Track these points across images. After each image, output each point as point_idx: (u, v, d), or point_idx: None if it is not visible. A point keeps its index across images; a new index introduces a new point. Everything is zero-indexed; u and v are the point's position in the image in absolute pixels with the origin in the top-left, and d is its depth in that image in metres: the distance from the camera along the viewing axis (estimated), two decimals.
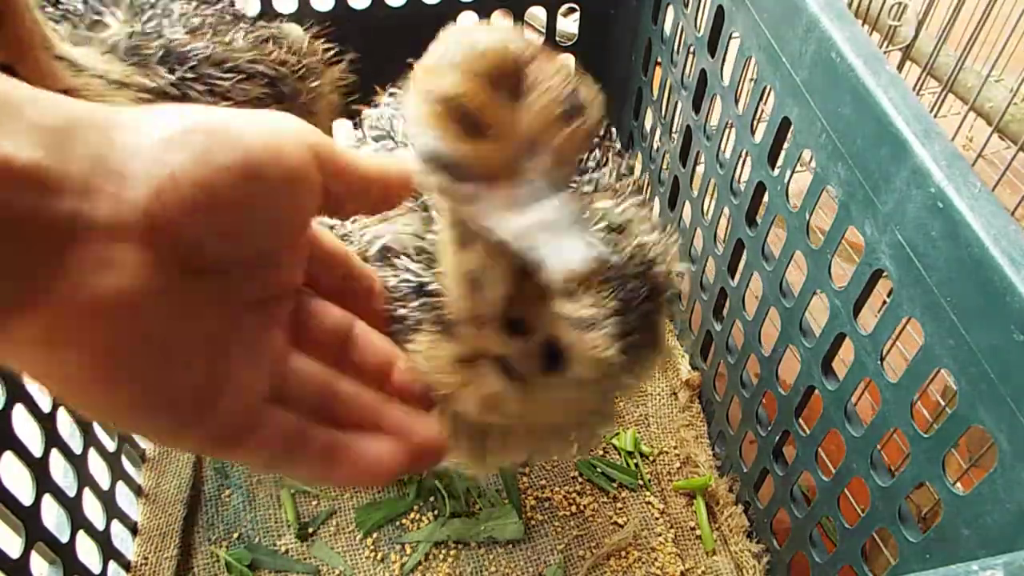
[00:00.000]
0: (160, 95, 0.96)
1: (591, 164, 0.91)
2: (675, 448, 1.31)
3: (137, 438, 1.23)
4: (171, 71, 0.97)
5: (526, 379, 0.71)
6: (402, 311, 0.79)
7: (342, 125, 1.35)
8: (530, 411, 0.75)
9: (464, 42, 0.51)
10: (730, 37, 1.09)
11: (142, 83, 0.94)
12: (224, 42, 1.04)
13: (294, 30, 1.22)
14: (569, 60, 1.49)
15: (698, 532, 1.23)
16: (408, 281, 0.80)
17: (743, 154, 1.10)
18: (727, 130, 1.16)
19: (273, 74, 1.08)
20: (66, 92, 0.86)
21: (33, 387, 0.95)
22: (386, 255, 0.81)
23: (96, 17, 0.98)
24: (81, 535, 1.01)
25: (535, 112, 0.50)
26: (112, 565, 1.09)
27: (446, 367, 0.74)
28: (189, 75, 0.98)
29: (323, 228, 0.53)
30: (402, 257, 0.81)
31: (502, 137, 0.49)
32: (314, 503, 1.23)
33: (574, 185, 0.87)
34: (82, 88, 0.88)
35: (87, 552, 1.02)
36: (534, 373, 0.71)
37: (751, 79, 1.04)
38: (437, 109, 0.50)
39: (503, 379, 0.70)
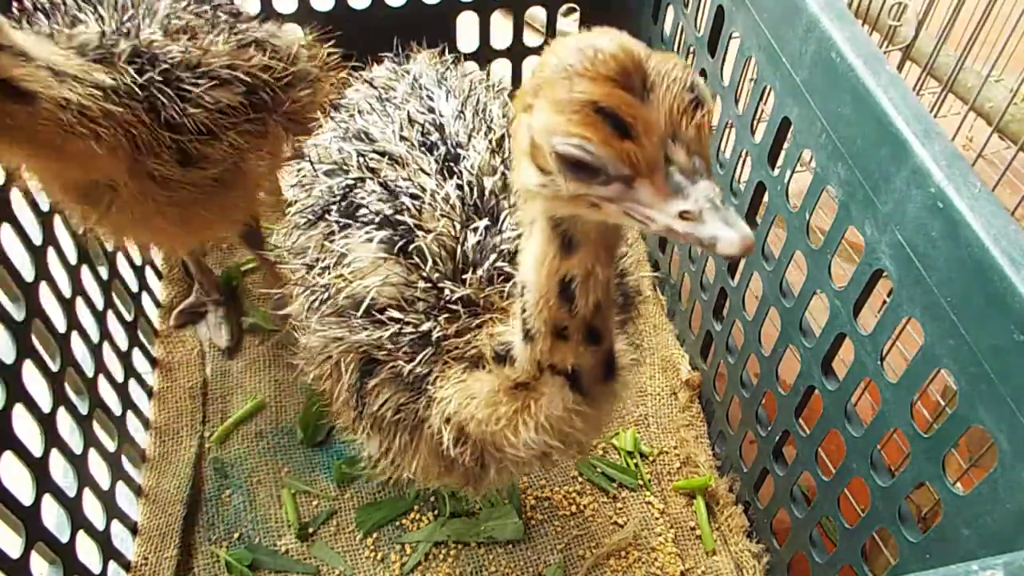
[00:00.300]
0: (125, 94, 0.94)
1: None
2: (675, 448, 1.31)
3: (137, 438, 1.23)
4: (140, 72, 0.95)
5: (589, 391, 0.71)
6: (408, 367, 0.79)
7: None
8: (588, 426, 0.76)
9: (585, 49, 0.52)
10: (730, 37, 1.09)
11: (99, 80, 0.92)
12: (202, 46, 1.01)
13: (287, 34, 1.17)
14: None
15: (698, 532, 1.23)
16: (407, 333, 0.78)
17: (743, 154, 1.10)
18: (727, 130, 1.16)
19: (251, 81, 1.04)
20: (6, 80, 0.84)
21: (33, 387, 0.95)
22: (369, 312, 0.80)
23: (77, 13, 0.96)
24: (81, 535, 1.01)
25: (667, 106, 0.51)
26: (112, 565, 1.09)
27: (497, 397, 0.74)
28: (158, 78, 0.96)
29: None
30: (388, 310, 0.79)
31: (645, 133, 0.51)
32: (314, 503, 1.23)
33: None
34: (24, 76, 0.86)
35: (87, 552, 1.02)
36: (597, 383, 0.72)
37: (751, 79, 1.04)
38: (577, 117, 0.52)
39: (573, 393, 0.71)
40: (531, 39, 1.44)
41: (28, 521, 0.89)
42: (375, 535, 1.20)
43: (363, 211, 0.83)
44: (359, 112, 0.94)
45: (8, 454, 0.88)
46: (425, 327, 0.77)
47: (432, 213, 0.80)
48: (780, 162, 1.00)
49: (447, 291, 0.77)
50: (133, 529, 1.17)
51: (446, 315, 0.77)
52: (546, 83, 0.54)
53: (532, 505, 1.23)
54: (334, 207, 0.86)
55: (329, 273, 0.83)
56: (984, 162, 1.55)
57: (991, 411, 0.69)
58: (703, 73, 1.17)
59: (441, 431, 0.79)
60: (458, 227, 0.79)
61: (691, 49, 1.21)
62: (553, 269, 0.63)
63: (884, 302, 0.87)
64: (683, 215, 0.51)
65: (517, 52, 1.44)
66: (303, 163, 0.95)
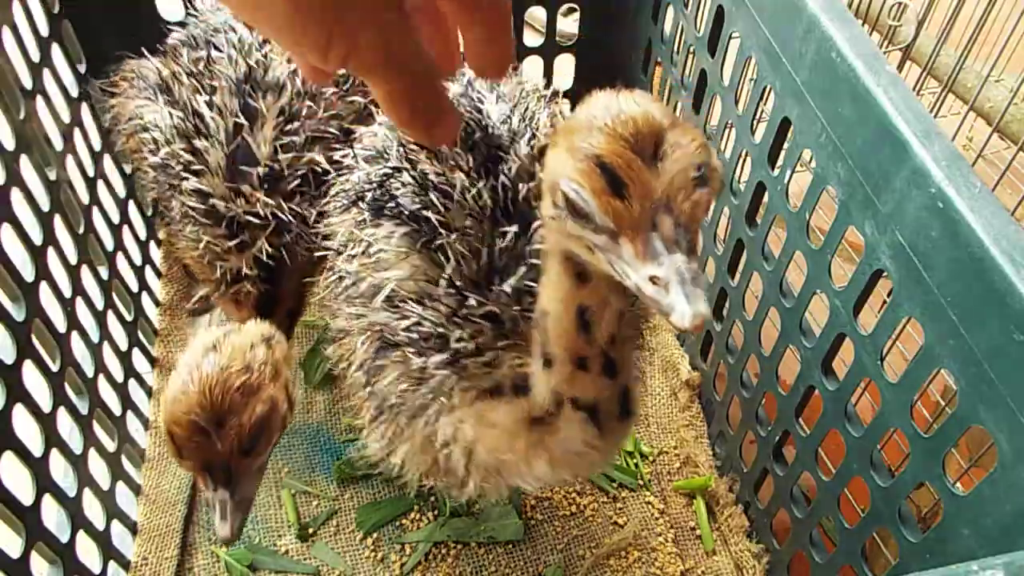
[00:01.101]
0: None
1: None
2: (675, 448, 1.31)
3: (136, 438, 1.23)
4: None
5: (604, 427, 0.72)
6: (417, 361, 0.79)
7: None
8: (600, 460, 0.77)
9: (611, 108, 0.56)
10: (730, 37, 1.09)
11: None
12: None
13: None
14: (569, 61, 1.49)
15: (698, 532, 1.23)
16: (422, 327, 0.78)
17: (743, 154, 1.10)
18: (727, 130, 1.16)
19: None
20: None
21: (33, 387, 0.95)
22: (391, 300, 0.81)
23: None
24: (81, 535, 1.01)
25: (670, 176, 0.55)
26: (112, 565, 1.09)
27: (514, 429, 0.75)
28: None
29: None
30: (408, 303, 0.79)
31: (638, 196, 0.54)
32: (314, 503, 1.23)
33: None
34: None
35: (87, 552, 1.02)
36: (613, 419, 0.72)
37: (751, 79, 1.04)
38: (581, 165, 0.56)
39: (591, 428, 0.71)
40: (531, 39, 1.44)
41: (28, 521, 0.89)
42: (375, 535, 1.20)
43: (393, 204, 0.83)
44: None
45: (8, 454, 0.88)
46: (442, 330, 0.77)
47: (460, 211, 0.80)
48: (780, 162, 1.00)
49: (472, 300, 0.77)
50: (133, 529, 1.17)
51: (469, 328, 0.77)
52: (572, 128, 0.58)
53: (532, 505, 1.23)
54: (368, 194, 0.87)
55: (356, 261, 0.85)
56: (984, 162, 1.55)
57: (991, 411, 0.69)
58: (703, 73, 1.17)
59: (448, 445, 0.80)
60: (486, 228, 0.79)
61: (691, 49, 1.21)
62: (570, 298, 0.65)
63: (884, 302, 0.87)
64: (653, 279, 0.54)
65: (517, 52, 1.43)
66: (346, 148, 0.96)
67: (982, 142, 1.47)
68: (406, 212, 0.81)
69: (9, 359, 0.91)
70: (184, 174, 0.98)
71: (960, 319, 0.71)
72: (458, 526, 1.20)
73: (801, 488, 1.08)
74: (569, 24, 1.56)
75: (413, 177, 0.83)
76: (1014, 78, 1.30)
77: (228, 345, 0.87)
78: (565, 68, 1.49)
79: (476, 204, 0.80)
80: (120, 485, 1.15)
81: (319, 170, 0.99)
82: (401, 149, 0.87)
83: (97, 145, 1.27)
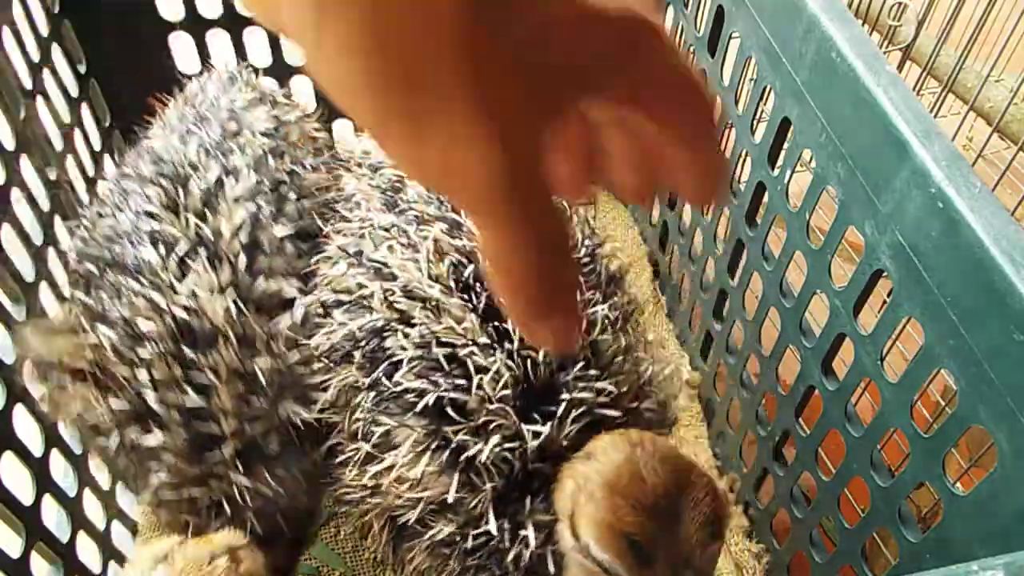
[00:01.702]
0: None
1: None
2: None
3: None
4: None
5: None
6: (453, 562, 0.76)
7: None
8: None
9: (635, 478, 0.59)
10: (730, 37, 1.09)
11: None
12: None
13: None
14: None
15: None
16: (460, 546, 0.75)
17: (743, 154, 1.10)
18: (727, 130, 1.16)
19: None
20: None
21: (33, 387, 0.95)
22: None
23: None
24: (81, 535, 1.01)
25: (690, 537, 0.59)
26: (112, 565, 1.08)
27: None
28: None
29: None
30: (442, 512, 0.75)
31: (664, 561, 0.58)
32: None
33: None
34: None
35: (87, 552, 1.02)
36: None
37: (751, 79, 1.04)
38: (612, 543, 0.59)
39: None
40: None
41: (28, 521, 0.89)
42: None
43: (398, 380, 0.72)
44: (370, 229, 0.81)
45: (8, 454, 0.88)
46: (481, 541, 0.74)
47: (482, 402, 0.70)
48: (780, 162, 1.00)
49: (506, 539, 0.72)
50: (133, 529, 1.17)
51: (511, 557, 0.73)
52: (594, 485, 0.61)
53: None
54: (357, 352, 0.76)
55: (371, 466, 0.77)
56: (984, 162, 1.55)
57: (991, 411, 0.69)
58: (703, 73, 1.17)
59: None
60: (515, 425, 0.70)
61: (691, 49, 1.21)
62: None
63: (884, 302, 0.87)
64: None
65: None
66: (311, 296, 0.82)
67: (982, 142, 1.47)
68: (420, 407, 0.71)
69: (9, 359, 0.91)
70: (148, 463, 0.83)
71: (960, 319, 0.71)
72: None
73: (801, 488, 1.08)
74: None
75: (417, 345, 0.72)
76: (1014, 78, 1.30)
77: (181, 557, 0.70)
78: None
79: (494, 389, 0.70)
80: (120, 485, 1.15)
81: (300, 422, 0.83)
82: (384, 295, 0.74)
83: (97, 145, 1.27)
